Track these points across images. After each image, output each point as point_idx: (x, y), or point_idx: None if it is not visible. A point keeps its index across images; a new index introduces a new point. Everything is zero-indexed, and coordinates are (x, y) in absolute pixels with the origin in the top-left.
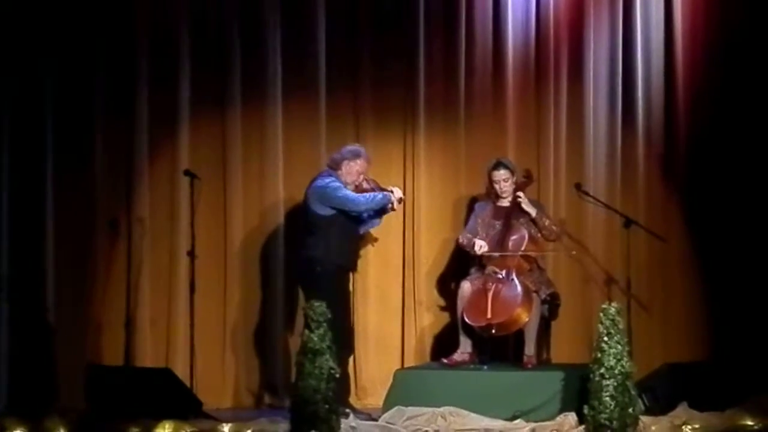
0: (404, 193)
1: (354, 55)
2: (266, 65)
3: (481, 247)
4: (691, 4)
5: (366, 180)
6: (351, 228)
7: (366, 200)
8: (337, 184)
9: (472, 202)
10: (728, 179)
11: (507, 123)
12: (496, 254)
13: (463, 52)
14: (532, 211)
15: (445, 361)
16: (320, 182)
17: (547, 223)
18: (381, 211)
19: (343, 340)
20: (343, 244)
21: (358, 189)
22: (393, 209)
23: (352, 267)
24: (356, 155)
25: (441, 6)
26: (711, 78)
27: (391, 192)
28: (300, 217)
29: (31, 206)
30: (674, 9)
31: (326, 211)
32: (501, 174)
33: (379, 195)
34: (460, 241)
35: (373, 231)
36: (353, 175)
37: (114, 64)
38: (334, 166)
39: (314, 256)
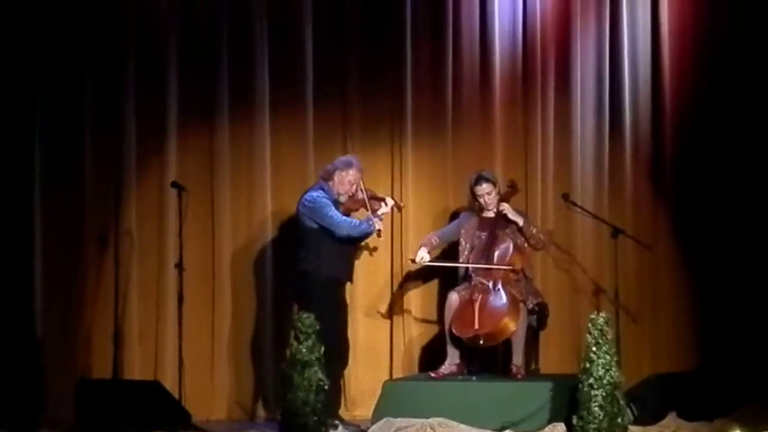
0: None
1: (341, 66)
2: (254, 78)
3: (422, 258)
4: (678, 13)
5: (361, 190)
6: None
7: (350, 226)
8: (326, 201)
9: (456, 215)
10: (716, 187)
11: (494, 134)
12: (481, 266)
13: (450, 63)
14: (520, 221)
15: (432, 375)
16: (310, 197)
17: (534, 232)
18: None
19: (337, 352)
20: (335, 256)
21: (352, 199)
22: (378, 236)
23: (347, 278)
24: (348, 165)
25: (428, 17)
26: (698, 86)
27: (384, 202)
28: (292, 229)
29: (20, 219)
30: (661, 18)
31: (315, 225)
32: (483, 188)
33: (365, 224)
34: (423, 241)
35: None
36: (346, 186)
37: (102, 78)
38: (327, 177)
39: (306, 269)
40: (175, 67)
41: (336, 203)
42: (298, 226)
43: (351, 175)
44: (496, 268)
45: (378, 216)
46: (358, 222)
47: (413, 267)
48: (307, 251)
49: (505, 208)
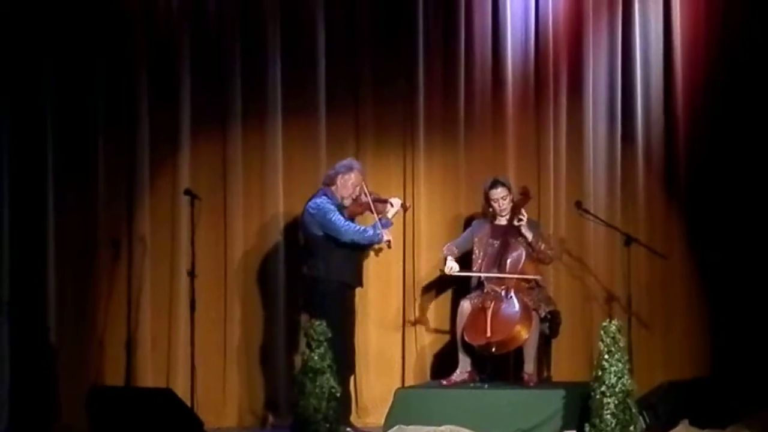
0: (404, 211)
1: (354, 73)
2: (266, 84)
3: (451, 268)
4: (691, 20)
5: (364, 193)
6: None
7: (354, 231)
8: (330, 206)
9: (469, 221)
10: (729, 195)
11: (506, 141)
12: (494, 275)
13: (463, 70)
14: (529, 236)
15: (444, 382)
16: (314, 204)
17: (542, 248)
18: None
19: (345, 359)
20: (343, 261)
21: (356, 201)
22: (388, 246)
23: (356, 283)
24: (349, 168)
25: (440, 24)
26: (711, 92)
27: (390, 204)
28: (299, 236)
29: (33, 226)
30: (673, 25)
31: (321, 231)
32: (498, 192)
33: (371, 231)
34: (444, 251)
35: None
36: (348, 189)
37: (114, 84)
38: (329, 182)
39: (316, 275)
40: (188, 75)
41: (340, 207)
42: (304, 234)
43: (353, 177)
44: (519, 278)
45: (387, 219)
46: (363, 228)
47: (425, 274)
48: (316, 258)
49: (522, 222)
